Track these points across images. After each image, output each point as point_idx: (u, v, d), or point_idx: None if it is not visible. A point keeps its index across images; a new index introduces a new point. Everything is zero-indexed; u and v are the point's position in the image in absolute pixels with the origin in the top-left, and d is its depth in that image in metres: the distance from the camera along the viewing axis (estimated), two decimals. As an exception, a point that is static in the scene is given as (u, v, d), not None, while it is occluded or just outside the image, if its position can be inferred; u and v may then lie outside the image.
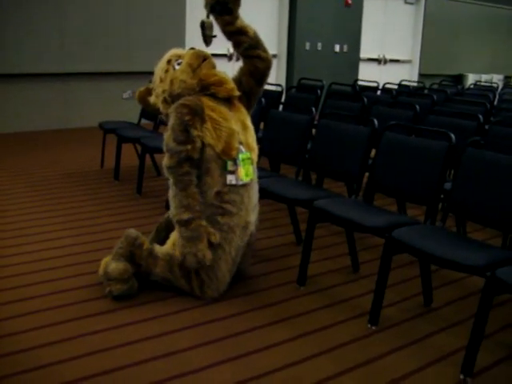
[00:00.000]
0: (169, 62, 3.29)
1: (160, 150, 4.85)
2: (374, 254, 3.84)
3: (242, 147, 3.18)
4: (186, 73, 3.20)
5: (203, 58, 3.23)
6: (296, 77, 7.68)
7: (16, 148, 7.02)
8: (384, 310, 3.01)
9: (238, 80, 3.34)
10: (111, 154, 5.74)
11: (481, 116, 4.49)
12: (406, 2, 12.58)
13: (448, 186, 3.27)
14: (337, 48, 11.01)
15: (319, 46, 10.72)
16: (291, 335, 2.82)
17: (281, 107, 5.69)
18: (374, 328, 2.91)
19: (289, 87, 7.25)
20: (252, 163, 3.24)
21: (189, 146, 3.03)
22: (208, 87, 3.19)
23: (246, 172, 3.18)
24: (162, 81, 3.28)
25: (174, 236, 3.28)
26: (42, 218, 4.39)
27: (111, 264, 3.09)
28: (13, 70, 7.78)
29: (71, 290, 3.21)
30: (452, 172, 4.13)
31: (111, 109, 8.35)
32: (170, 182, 3.10)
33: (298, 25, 10.28)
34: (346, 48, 11.14)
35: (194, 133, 3.04)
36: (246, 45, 3.29)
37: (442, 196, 3.25)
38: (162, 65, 3.32)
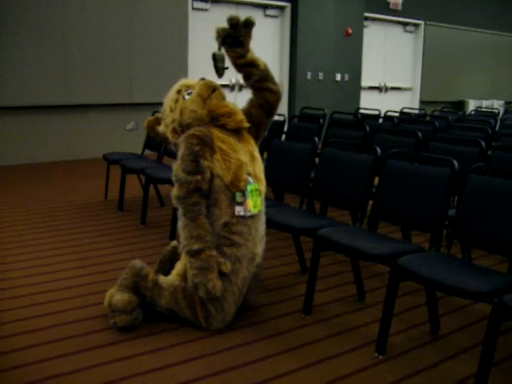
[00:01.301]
0: (179, 92, 3.30)
1: (164, 181, 4.95)
2: (379, 282, 3.82)
3: (250, 178, 3.18)
4: (196, 103, 3.21)
5: (213, 89, 3.26)
6: (298, 106, 7.75)
7: (20, 180, 7.06)
8: (391, 339, 2.99)
9: (247, 111, 3.36)
10: (115, 185, 5.76)
11: (483, 142, 4.50)
12: (405, 31, 12.72)
13: (452, 212, 3.27)
14: (338, 77, 11.10)
15: (320, 75, 10.82)
16: (298, 365, 2.79)
17: (283, 137, 5.72)
18: (381, 357, 2.88)
19: (291, 117, 7.29)
20: (260, 194, 3.25)
21: (198, 177, 3.03)
22: (218, 118, 3.20)
23: (254, 203, 3.19)
24: (171, 110, 3.29)
25: (179, 267, 3.28)
26: (46, 250, 4.39)
27: (116, 295, 3.08)
28: (16, 102, 7.87)
29: (76, 321, 3.20)
30: (456, 198, 4.13)
31: (115, 140, 8.41)
32: (179, 212, 3.09)
33: (300, 55, 10.39)
34: (347, 77, 11.23)
35: (204, 163, 3.04)
36: (257, 77, 3.32)
37: (446, 222, 3.25)
38: (171, 94, 3.34)
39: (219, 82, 3.30)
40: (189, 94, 3.26)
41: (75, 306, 3.40)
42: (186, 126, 3.22)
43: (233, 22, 3.22)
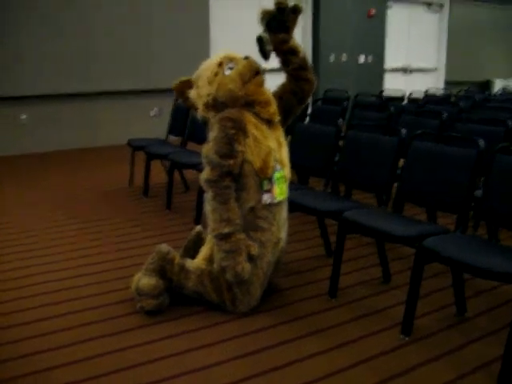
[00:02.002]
0: (220, 64, 3.19)
1: (188, 166, 4.97)
2: (404, 265, 3.80)
3: (277, 165, 3.18)
4: (235, 82, 3.13)
5: (256, 72, 3.18)
6: (321, 89, 7.68)
7: (45, 167, 7.14)
8: (416, 321, 2.98)
9: (278, 96, 3.32)
10: (140, 171, 5.79)
11: (510, 122, 4.43)
12: (429, 10, 12.53)
13: (479, 193, 3.24)
14: (361, 59, 11.00)
15: (344, 57, 10.72)
16: (324, 347, 2.80)
17: (307, 119, 5.69)
18: (407, 339, 2.88)
19: (315, 99, 7.24)
20: (286, 181, 3.25)
21: (231, 161, 3.01)
22: (253, 105, 3.15)
23: (280, 190, 3.20)
24: (209, 83, 3.17)
25: (204, 251, 3.30)
26: (72, 236, 4.45)
27: (142, 279, 3.11)
28: (40, 91, 7.94)
29: (103, 306, 3.24)
30: (482, 179, 4.08)
31: (139, 126, 8.45)
32: (208, 195, 3.06)
33: (322, 37, 10.30)
34: (370, 59, 11.12)
35: (238, 147, 3.03)
36: (296, 65, 3.31)
37: (472, 204, 3.21)
38: (211, 66, 3.22)
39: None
40: (230, 68, 3.16)
41: (102, 291, 3.45)
42: (220, 103, 3.15)
43: (281, 6, 3.18)
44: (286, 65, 3.33)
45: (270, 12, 3.22)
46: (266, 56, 3.22)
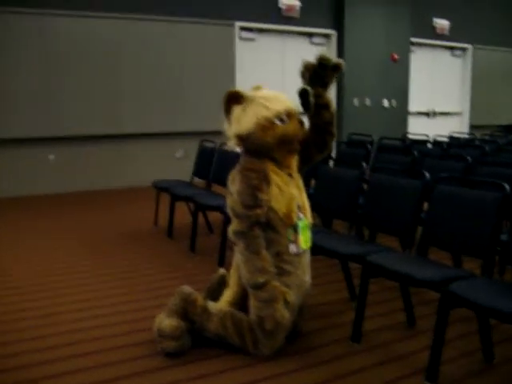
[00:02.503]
0: (276, 116, 3.11)
1: (212, 208, 4.99)
2: (429, 309, 3.74)
3: (301, 215, 3.21)
4: (275, 140, 3.11)
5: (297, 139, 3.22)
6: (345, 132, 7.74)
7: (72, 207, 7.23)
8: (442, 367, 2.91)
9: (301, 143, 3.32)
10: (164, 212, 5.84)
11: (535, 165, 4.41)
12: (452, 55, 12.61)
13: (505, 237, 3.20)
14: (385, 103, 11.05)
15: (367, 101, 10.79)
16: (347, 393, 2.76)
17: (331, 163, 5.71)
18: (432, 386, 2.82)
19: (338, 143, 7.28)
20: (309, 229, 3.28)
21: (258, 211, 3.05)
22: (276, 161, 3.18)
23: (305, 239, 3.23)
24: (256, 122, 3.08)
25: (228, 294, 3.30)
26: (96, 276, 4.48)
27: (164, 321, 3.11)
28: (69, 132, 8.14)
29: (125, 346, 3.24)
30: (508, 223, 4.04)
31: (164, 168, 8.54)
32: (239, 247, 3.09)
33: (346, 81, 10.39)
34: (394, 103, 11.17)
35: (263, 197, 3.06)
36: (326, 119, 3.35)
37: (498, 248, 3.18)
38: (270, 110, 3.10)
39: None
40: (281, 120, 3.12)
41: (124, 331, 3.45)
42: (250, 143, 3.14)
43: (323, 62, 3.24)
44: (316, 118, 3.36)
45: (311, 65, 3.27)
46: (309, 108, 3.26)
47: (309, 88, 3.23)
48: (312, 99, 3.23)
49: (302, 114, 3.26)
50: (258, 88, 3.34)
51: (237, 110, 3.15)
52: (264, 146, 3.14)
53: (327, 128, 3.39)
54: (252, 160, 3.16)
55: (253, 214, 3.04)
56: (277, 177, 3.14)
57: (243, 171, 3.11)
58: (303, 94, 3.23)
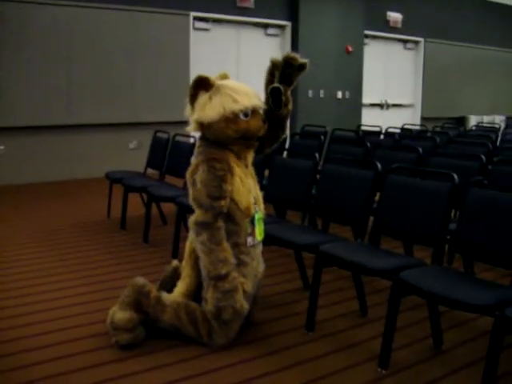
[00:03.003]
0: (242, 111, 3.10)
1: (166, 199, 4.96)
2: (381, 298, 3.81)
3: (256, 207, 3.23)
4: (237, 134, 3.10)
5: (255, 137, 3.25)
6: (299, 124, 7.77)
7: (23, 199, 7.08)
8: (394, 353, 2.97)
9: None
10: (118, 203, 5.78)
11: (483, 156, 4.52)
12: (405, 48, 12.79)
13: (453, 226, 3.27)
14: (339, 95, 11.15)
15: (321, 93, 10.86)
16: (301, 381, 2.79)
17: (285, 154, 5.74)
18: (384, 372, 2.87)
19: (292, 134, 7.31)
20: (263, 221, 3.31)
21: (222, 202, 3.04)
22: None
23: (259, 231, 3.26)
24: (222, 112, 3.05)
25: (181, 285, 3.30)
26: (49, 268, 4.40)
27: (117, 314, 3.08)
28: (20, 122, 7.93)
29: (80, 339, 3.20)
30: (458, 213, 4.14)
31: (117, 159, 8.44)
32: (201, 238, 3.06)
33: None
34: (348, 94, 11.27)
35: (228, 188, 3.06)
36: (283, 116, 3.37)
37: (448, 237, 3.25)
38: (236, 103, 3.07)
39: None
40: (245, 115, 3.11)
41: (78, 323, 3.41)
42: (212, 131, 3.12)
43: (290, 62, 3.23)
44: (272, 113, 3.35)
45: (278, 63, 3.27)
46: (280, 107, 3.28)
47: (281, 86, 3.24)
48: (283, 98, 3.25)
49: (269, 110, 3.28)
50: (224, 76, 3.32)
51: (203, 97, 3.10)
52: (224, 138, 3.13)
53: (282, 124, 3.42)
54: (216, 150, 3.13)
55: (218, 205, 3.03)
56: (238, 168, 3.15)
57: (209, 161, 3.07)
58: (276, 92, 3.24)
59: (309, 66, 3.32)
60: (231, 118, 3.07)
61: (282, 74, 3.27)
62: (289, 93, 3.36)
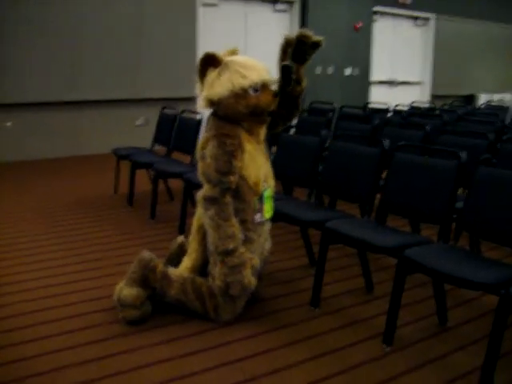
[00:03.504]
0: (252, 86, 3.06)
1: (173, 175, 4.96)
2: (387, 275, 3.82)
3: (266, 184, 3.22)
4: (247, 109, 3.08)
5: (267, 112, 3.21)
6: (307, 101, 7.72)
7: (30, 176, 7.10)
8: (399, 330, 2.99)
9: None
10: (125, 179, 5.79)
11: (491, 134, 4.49)
12: (415, 25, 12.66)
13: (460, 205, 3.27)
14: (347, 72, 11.07)
15: (330, 70, 10.79)
16: (306, 356, 2.81)
17: (293, 131, 5.72)
18: (388, 348, 2.89)
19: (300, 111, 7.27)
20: (273, 198, 3.30)
21: (231, 177, 3.03)
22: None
23: (268, 209, 3.25)
24: (231, 88, 3.03)
25: (187, 261, 3.32)
26: (57, 244, 4.43)
27: (124, 290, 3.10)
28: (25, 99, 7.91)
29: (86, 314, 3.23)
30: (466, 191, 4.12)
31: (124, 136, 8.43)
32: (209, 213, 3.06)
33: (309, 49, 10.33)
34: (356, 71, 11.20)
35: (237, 164, 3.05)
36: (297, 94, 3.37)
37: (455, 215, 3.25)
38: (245, 78, 3.05)
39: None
40: (255, 91, 3.08)
41: (85, 298, 3.44)
42: (222, 107, 3.10)
43: (303, 39, 3.21)
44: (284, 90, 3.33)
45: (292, 41, 3.25)
46: (290, 84, 3.26)
47: (291, 64, 3.22)
48: (293, 76, 3.23)
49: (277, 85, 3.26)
50: (233, 52, 3.30)
51: (212, 74, 3.09)
52: (234, 114, 3.12)
53: (296, 102, 3.40)
54: (227, 125, 3.12)
55: (226, 180, 3.02)
56: (249, 144, 3.14)
57: (219, 136, 3.07)
58: (285, 70, 3.23)
59: (324, 43, 3.29)
60: (241, 94, 3.05)
61: (295, 51, 3.25)
62: (302, 71, 3.34)
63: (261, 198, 3.18)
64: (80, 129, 8.50)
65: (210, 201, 3.06)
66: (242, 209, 3.13)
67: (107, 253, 4.26)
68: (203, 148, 3.12)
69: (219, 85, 3.05)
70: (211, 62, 3.09)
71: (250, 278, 3.07)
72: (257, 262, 3.15)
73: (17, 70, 7.80)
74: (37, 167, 7.67)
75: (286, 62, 3.23)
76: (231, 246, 3.02)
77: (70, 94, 8.27)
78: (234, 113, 3.11)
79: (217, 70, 3.08)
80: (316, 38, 3.25)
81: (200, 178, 3.13)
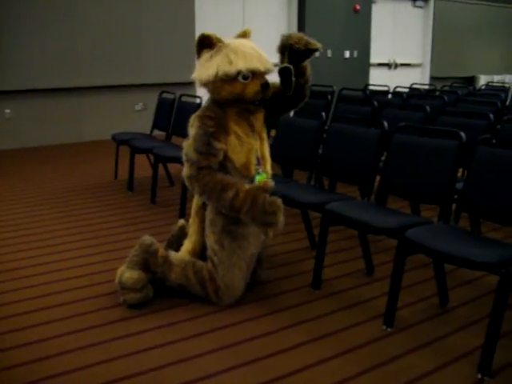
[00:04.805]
0: (240, 74, 3.03)
1: (172, 160, 4.95)
2: (388, 257, 3.82)
3: (260, 168, 3.18)
4: (234, 95, 3.07)
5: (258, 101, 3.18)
6: (307, 83, 7.71)
7: (30, 162, 7.10)
8: (399, 312, 3.00)
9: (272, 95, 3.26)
10: (124, 165, 5.78)
11: (492, 115, 4.47)
12: (414, 6, 12.58)
13: (461, 185, 3.26)
14: (347, 54, 11.02)
15: (329, 52, 10.73)
16: (307, 338, 2.82)
17: (292, 113, 5.69)
18: (389, 330, 2.90)
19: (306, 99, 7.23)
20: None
21: (212, 159, 3.02)
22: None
23: None
24: (218, 78, 3.01)
25: (188, 244, 3.31)
26: (58, 230, 4.43)
27: (125, 273, 3.11)
28: (25, 85, 7.88)
29: (88, 299, 3.24)
30: (465, 172, 4.11)
31: (123, 121, 8.42)
32: (196, 190, 3.08)
33: (308, 32, 10.19)
34: (355, 54, 11.14)
35: (218, 146, 3.03)
36: (301, 84, 3.34)
37: (455, 196, 3.24)
38: (236, 64, 3.00)
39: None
40: (245, 78, 3.04)
41: (86, 283, 3.45)
42: (212, 89, 3.10)
43: (296, 48, 3.18)
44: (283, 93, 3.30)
45: (287, 43, 3.20)
46: (290, 87, 3.20)
47: (290, 66, 3.16)
48: (293, 78, 3.18)
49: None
50: (244, 34, 3.28)
51: (205, 55, 3.09)
52: (219, 98, 3.12)
53: (300, 92, 3.38)
54: (214, 108, 3.12)
55: (204, 161, 3.01)
56: (237, 127, 3.11)
57: (202, 117, 3.08)
58: (284, 73, 3.17)
59: (321, 48, 3.30)
60: (225, 80, 3.03)
61: (290, 56, 3.21)
62: (306, 63, 3.31)
63: (252, 181, 3.13)
64: (79, 115, 8.48)
65: (191, 179, 3.06)
66: None
67: (107, 238, 4.26)
68: (190, 128, 3.13)
69: (207, 67, 3.05)
70: (206, 43, 3.08)
71: (271, 199, 2.95)
72: (272, 182, 3.03)
73: (15, 56, 7.77)
74: (36, 154, 7.65)
75: (285, 65, 3.17)
76: (231, 194, 2.96)
77: (70, 81, 8.24)
78: (218, 97, 3.11)
79: (210, 52, 3.07)
80: (311, 45, 3.22)
81: (183, 157, 3.13)
